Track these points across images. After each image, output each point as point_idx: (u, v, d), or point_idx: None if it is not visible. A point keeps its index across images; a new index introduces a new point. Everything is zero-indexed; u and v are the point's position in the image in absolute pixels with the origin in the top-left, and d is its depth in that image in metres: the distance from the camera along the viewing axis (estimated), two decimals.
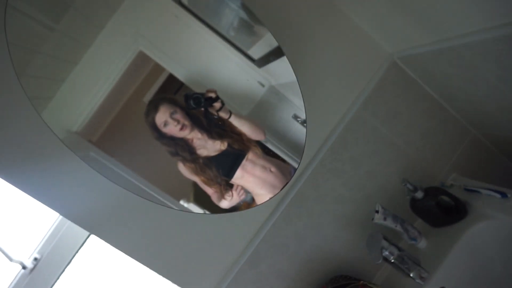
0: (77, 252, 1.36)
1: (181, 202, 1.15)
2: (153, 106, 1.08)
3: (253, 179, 1.17)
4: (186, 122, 1.10)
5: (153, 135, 1.09)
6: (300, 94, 1.18)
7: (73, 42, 1.07)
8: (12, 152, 1.16)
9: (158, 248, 1.29)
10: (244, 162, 1.15)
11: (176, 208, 1.15)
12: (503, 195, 1.20)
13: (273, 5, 1.29)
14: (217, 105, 1.10)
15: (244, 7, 1.15)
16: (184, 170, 1.12)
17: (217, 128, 1.13)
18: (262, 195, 1.19)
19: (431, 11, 1.01)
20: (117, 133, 1.11)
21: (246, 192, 1.17)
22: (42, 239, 1.34)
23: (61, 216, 1.34)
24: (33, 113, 1.02)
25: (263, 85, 1.19)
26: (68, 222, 1.34)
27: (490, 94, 1.16)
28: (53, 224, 1.35)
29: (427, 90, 1.43)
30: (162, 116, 1.08)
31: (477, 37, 0.96)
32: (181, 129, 1.09)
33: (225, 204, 1.16)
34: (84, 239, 1.36)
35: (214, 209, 1.16)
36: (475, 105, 1.30)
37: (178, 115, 1.09)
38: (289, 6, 1.32)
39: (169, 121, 1.08)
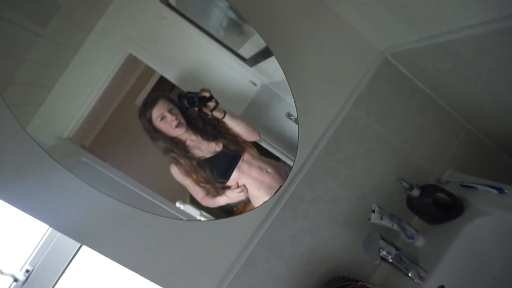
0: (70, 262, 1.33)
1: (177, 204, 1.13)
2: (151, 100, 1.07)
3: (249, 181, 1.15)
4: (183, 120, 1.09)
5: (147, 130, 1.07)
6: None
7: (60, 47, 1.05)
8: None
9: (152, 256, 1.26)
10: (240, 163, 1.14)
11: (168, 217, 1.13)
12: (500, 190, 1.19)
13: (261, 4, 1.27)
14: (211, 104, 1.09)
15: (232, 7, 1.14)
16: (176, 172, 1.10)
17: (211, 129, 1.12)
18: (259, 196, 1.17)
19: (421, 6, 1.00)
20: (110, 137, 1.10)
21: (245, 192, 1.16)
22: (33, 251, 1.31)
23: None
24: (17, 124, 0.99)
25: (255, 84, 1.18)
26: (59, 233, 1.31)
27: (484, 89, 1.15)
28: (44, 235, 1.32)
29: (420, 86, 1.42)
30: (160, 109, 1.07)
31: (469, 32, 0.95)
32: (177, 126, 1.08)
33: (221, 200, 1.14)
34: (76, 249, 1.33)
35: (210, 209, 1.15)
36: (469, 100, 1.29)
37: (176, 111, 1.08)
38: (277, 5, 1.30)
39: (166, 115, 1.07)
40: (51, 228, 1.32)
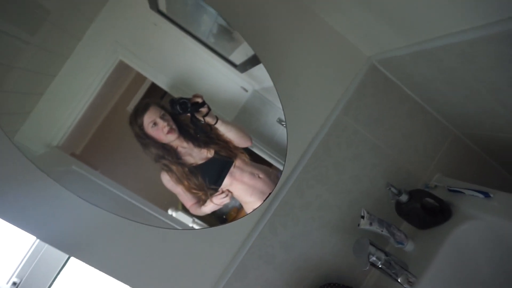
0: (58, 274, 1.30)
1: (169, 211, 1.13)
2: (143, 106, 1.07)
3: (241, 186, 1.15)
4: (174, 126, 1.08)
5: (138, 136, 1.07)
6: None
7: (50, 55, 1.04)
8: None
9: (142, 266, 1.24)
10: (232, 169, 1.14)
11: (158, 226, 1.12)
12: (486, 195, 1.21)
13: (249, 12, 1.28)
14: (203, 110, 1.09)
15: (220, 15, 1.15)
16: (167, 180, 1.09)
17: (203, 135, 1.12)
18: (251, 202, 1.17)
19: (406, 13, 1.01)
20: (101, 145, 1.09)
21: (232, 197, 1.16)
22: (20, 262, 1.28)
23: None
24: (2, 134, 0.98)
25: (246, 90, 1.19)
26: (47, 244, 1.28)
27: (469, 95, 1.17)
28: (31, 246, 1.29)
29: (408, 92, 1.44)
30: (151, 116, 1.06)
31: (454, 39, 0.96)
32: (169, 132, 1.07)
33: (207, 208, 1.14)
34: (64, 260, 1.30)
35: (202, 216, 1.15)
36: (455, 106, 1.31)
37: (168, 118, 1.08)
38: (265, 13, 1.31)
39: (158, 122, 1.07)
40: (38, 240, 1.29)
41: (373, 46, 1.34)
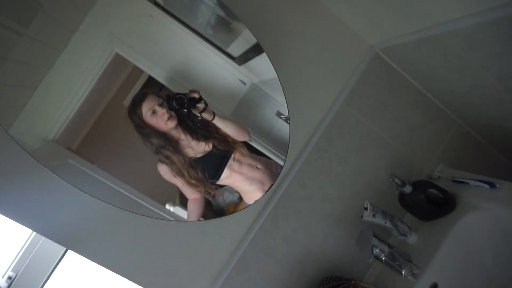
0: (55, 267, 1.28)
1: (167, 206, 1.12)
2: (140, 96, 1.06)
3: (240, 178, 1.15)
4: (174, 114, 1.07)
5: (138, 126, 1.06)
6: (282, 91, 1.16)
7: (44, 47, 1.02)
8: None
9: (141, 259, 1.23)
10: (230, 162, 1.13)
11: (157, 218, 1.10)
12: (492, 185, 1.19)
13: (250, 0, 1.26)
14: (200, 106, 1.08)
15: (220, 4, 1.13)
16: (165, 171, 1.08)
17: (201, 129, 1.11)
18: (251, 192, 1.17)
19: None
20: (98, 138, 1.08)
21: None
22: (16, 256, 1.27)
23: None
24: None
25: (244, 83, 1.17)
26: (43, 237, 1.27)
27: (475, 83, 1.14)
28: (27, 240, 1.28)
29: (411, 81, 1.42)
30: (150, 103, 1.05)
31: (459, 25, 0.94)
32: (169, 118, 1.07)
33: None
34: (61, 254, 1.28)
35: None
36: (459, 95, 1.29)
37: (166, 105, 1.06)
38: (266, 1, 1.28)
39: (157, 109, 1.06)
40: (34, 233, 1.28)
41: (376, 34, 1.31)
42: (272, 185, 1.18)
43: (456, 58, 1.08)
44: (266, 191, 1.17)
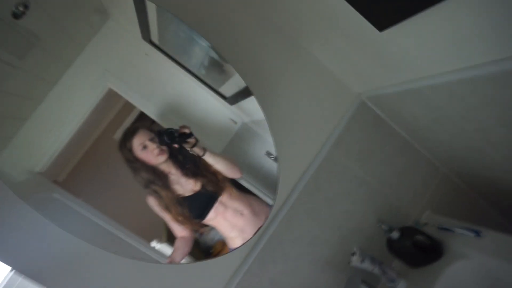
0: None
1: (154, 243, 1.09)
2: (132, 130, 1.06)
3: (224, 222, 1.13)
4: (164, 148, 1.07)
5: (128, 161, 1.04)
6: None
7: (38, 80, 1.03)
8: None
9: None
10: (217, 204, 1.11)
11: (141, 259, 1.07)
12: (476, 233, 1.20)
13: (242, 46, 1.30)
14: (191, 141, 1.08)
15: (213, 47, 1.16)
16: (154, 203, 1.06)
17: (191, 165, 1.10)
18: (233, 238, 1.15)
19: (395, 53, 1.04)
20: (85, 172, 1.06)
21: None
22: None
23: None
24: None
25: (235, 122, 1.18)
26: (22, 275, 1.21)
27: (456, 133, 1.19)
28: (5, 278, 1.20)
29: (397, 129, 1.46)
30: (141, 138, 1.05)
31: (442, 79, 0.99)
32: (159, 153, 1.06)
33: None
34: None
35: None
36: (443, 144, 1.33)
37: (157, 140, 1.06)
38: (258, 48, 1.33)
39: (147, 144, 1.05)
40: (13, 271, 1.22)
41: (363, 83, 1.36)
42: (254, 234, 1.15)
43: (438, 109, 1.12)
44: (247, 241, 1.14)
